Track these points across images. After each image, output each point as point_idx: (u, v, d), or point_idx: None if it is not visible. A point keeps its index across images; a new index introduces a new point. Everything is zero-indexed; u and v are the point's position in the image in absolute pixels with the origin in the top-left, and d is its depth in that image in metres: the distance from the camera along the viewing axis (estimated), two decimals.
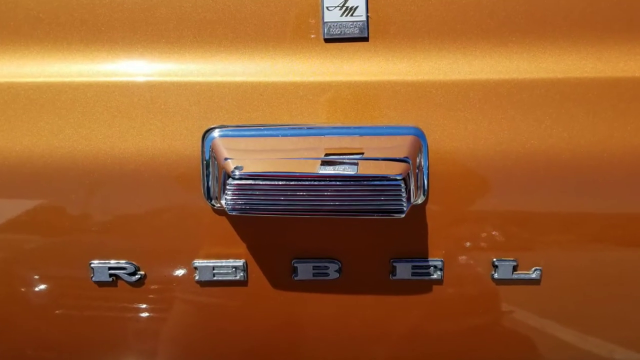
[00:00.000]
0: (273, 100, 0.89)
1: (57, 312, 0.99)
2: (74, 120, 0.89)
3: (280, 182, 0.82)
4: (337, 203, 0.83)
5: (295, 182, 0.82)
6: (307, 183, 0.82)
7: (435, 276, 0.95)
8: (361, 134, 0.88)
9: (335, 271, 0.96)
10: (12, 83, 0.89)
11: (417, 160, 0.87)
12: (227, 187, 0.83)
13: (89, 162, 0.90)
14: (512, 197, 0.91)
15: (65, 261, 0.96)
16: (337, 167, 0.83)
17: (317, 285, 0.97)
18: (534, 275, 0.94)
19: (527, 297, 0.96)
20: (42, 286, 0.98)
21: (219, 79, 0.89)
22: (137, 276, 0.96)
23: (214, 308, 0.99)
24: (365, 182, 0.82)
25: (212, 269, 0.95)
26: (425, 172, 0.89)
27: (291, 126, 0.89)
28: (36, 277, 0.97)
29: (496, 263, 0.94)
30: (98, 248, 0.95)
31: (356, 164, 0.84)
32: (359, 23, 0.88)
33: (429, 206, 0.92)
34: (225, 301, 0.99)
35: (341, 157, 0.85)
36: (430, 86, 0.89)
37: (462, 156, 0.89)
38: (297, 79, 0.89)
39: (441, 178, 0.90)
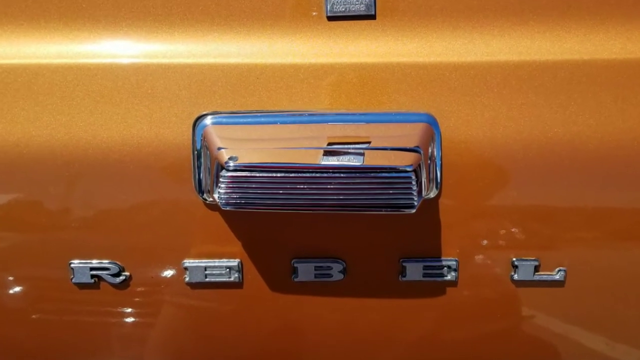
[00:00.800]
0: (271, 84, 0.88)
1: (33, 316, 0.98)
2: (52, 106, 0.88)
3: (278, 174, 0.82)
4: (341, 197, 0.82)
5: (296, 174, 0.82)
6: (308, 175, 0.82)
7: (448, 277, 0.95)
8: (368, 121, 0.87)
9: (339, 272, 0.95)
10: None
11: (429, 150, 0.87)
12: (221, 179, 0.83)
13: (69, 152, 0.89)
14: (534, 190, 0.90)
15: (43, 261, 0.95)
16: (341, 157, 0.83)
17: (319, 287, 0.96)
18: (557, 277, 0.94)
19: (550, 300, 0.96)
20: (17, 288, 0.97)
21: (211, 60, 0.88)
22: (122, 277, 0.95)
23: (206, 312, 0.99)
24: (372, 174, 0.81)
25: (203, 269, 0.95)
26: (438, 163, 0.88)
27: (291, 113, 0.88)
28: (10, 278, 0.96)
29: (516, 263, 0.94)
30: (78, 246, 0.94)
31: (362, 154, 0.83)
32: None
33: (442, 200, 0.91)
34: (219, 305, 0.98)
35: (346, 146, 0.84)
36: (443, 68, 0.88)
37: (478, 146, 0.88)
38: (297, 60, 0.88)
39: (455, 170, 0.89)
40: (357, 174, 0.81)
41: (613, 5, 0.87)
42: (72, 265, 0.95)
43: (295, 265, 0.95)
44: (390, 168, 0.81)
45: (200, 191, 0.90)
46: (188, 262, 0.95)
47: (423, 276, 0.94)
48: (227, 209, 0.84)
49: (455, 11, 0.88)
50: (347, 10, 0.88)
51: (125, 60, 0.89)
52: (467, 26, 0.88)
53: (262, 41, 0.89)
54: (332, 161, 0.82)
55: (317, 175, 0.82)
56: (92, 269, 0.94)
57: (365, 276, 0.96)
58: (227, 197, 0.83)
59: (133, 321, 0.99)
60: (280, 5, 0.88)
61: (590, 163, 0.88)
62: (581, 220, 0.91)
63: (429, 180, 0.88)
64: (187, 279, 0.96)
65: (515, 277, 0.94)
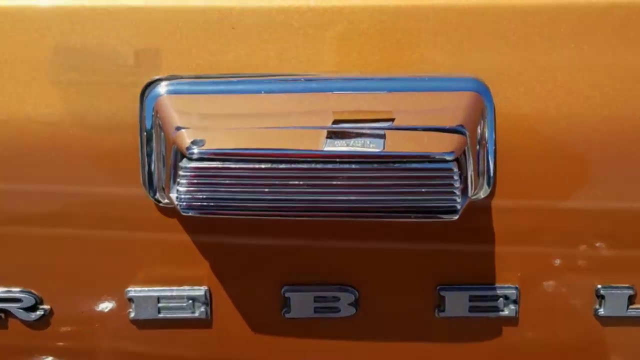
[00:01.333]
0: (253, 36, 0.80)
1: None
2: None
3: (262, 166, 0.74)
4: (352, 198, 0.75)
5: (287, 166, 0.74)
6: (305, 167, 0.74)
7: (506, 312, 0.87)
8: (390, 90, 0.79)
9: (350, 305, 0.87)
10: None
11: (478, 131, 0.78)
12: (181, 172, 0.75)
13: None
14: (627, 189, 0.82)
15: None
16: (353, 141, 0.75)
17: (320, 327, 0.90)
18: None
19: None
20: None
21: (166, 2, 0.81)
22: (39, 312, 0.88)
23: None
24: (397, 165, 0.74)
25: (156, 301, 0.87)
26: (491, 149, 0.80)
27: (281, 77, 0.80)
28: None
29: (602, 292, 0.86)
30: None
31: (383, 136, 0.75)
32: None
33: (495, 202, 0.83)
34: (177, 351, 0.92)
35: (360, 125, 0.77)
36: (497, 14, 0.79)
37: (547, 124, 0.80)
38: (289, 2, 0.80)
39: (515, 159, 0.81)
40: (376, 165, 0.74)
41: None
42: None
43: (287, 295, 0.87)
44: (423, 156, 0.73)
45: (152, 189, 0.82)
46: (134, 291, 0.87)
47: (469, 310, 0.87)
48: (190, 214, 0.77)
49: None
50: None
51: (44, 3, 0.81)
52: None
53: None
54: (340, 146, 0.74)
55: (319, 166, 0.74)
56: None
57: (387, 311, 0.89)
58: (189, 198, 0.75)
59: None
60: None
61: None
62: None
63: (477, 173, 0.80)
64: (132, 315, 0.88)
65: (601, 311, 0.87)
